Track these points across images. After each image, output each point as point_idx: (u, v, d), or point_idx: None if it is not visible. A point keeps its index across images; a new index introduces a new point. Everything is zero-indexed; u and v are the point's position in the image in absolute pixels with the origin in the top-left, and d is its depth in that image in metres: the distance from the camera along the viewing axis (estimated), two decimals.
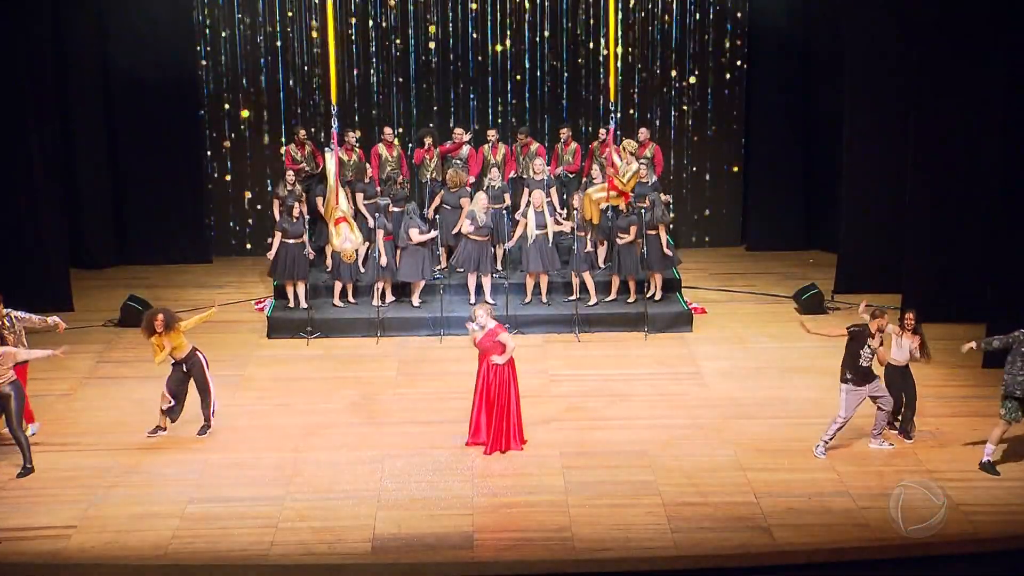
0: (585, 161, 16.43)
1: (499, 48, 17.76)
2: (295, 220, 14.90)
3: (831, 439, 11.51)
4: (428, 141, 16.22)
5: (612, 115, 14.60)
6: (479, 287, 15.10)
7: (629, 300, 15.23)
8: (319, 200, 15.63)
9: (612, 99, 14.49)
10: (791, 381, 13.43)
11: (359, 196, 15.53)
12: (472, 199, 15.25)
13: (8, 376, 11.06)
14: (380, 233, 14.85)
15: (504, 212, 15.56)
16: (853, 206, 16.29)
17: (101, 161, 17.51)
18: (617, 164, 14.46)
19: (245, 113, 17.78)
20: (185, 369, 11.87)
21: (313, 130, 17.24)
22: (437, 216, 15.55)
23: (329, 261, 15.14)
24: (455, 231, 15.43)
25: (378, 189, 15.73)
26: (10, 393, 11.05)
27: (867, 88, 15.93)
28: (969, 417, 12.37)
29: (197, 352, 11.93)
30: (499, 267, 15.55)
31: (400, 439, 11.94)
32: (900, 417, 11.84)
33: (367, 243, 14.90)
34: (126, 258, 17.89)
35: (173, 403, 11.83)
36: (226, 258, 18.18)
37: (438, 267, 15.71)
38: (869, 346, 11.22)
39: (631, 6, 17.67)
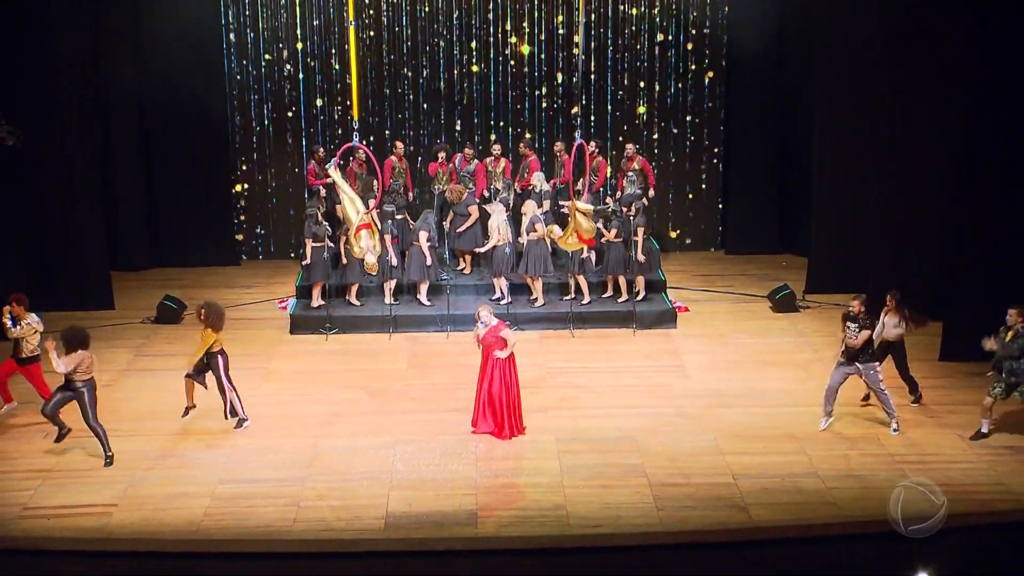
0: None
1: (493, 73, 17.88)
2: (317, 226, 14.99)
3: (828, 407, 11.83)
4: (442, 155, 16.30)
5: (579, 129, 14.90)
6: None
7: (619, 299, 15.27)
8: (338, 208, 15.67)
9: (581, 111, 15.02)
10: (766, 373, 13.46)
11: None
12: (475, 208, 15.36)
13: (84, 376, 11.03)
14: (388, 237, 14.92)
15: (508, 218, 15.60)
16: (823, 214, 16.28)
17: (138, 174, 17.52)
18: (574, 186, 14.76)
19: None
20: (206, 361, 11.89)
21: (332, 147, 17.25)
22: (444, 223, 15.57)
23: (345, 259, 15.15)
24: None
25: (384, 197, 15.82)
26: (83, 391, 11.05)
27: (836, 106, 15.90)
28: (926, 405, 12.40)
29: (218, 355, 11.85)
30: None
31: (410, 426, 11.98)
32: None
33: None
34: (161, 261, 17.91)
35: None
36: (252, 261, 18.20)
37: (447, 266, 15.76)
38: (848, 327, 11.58)
39: (622, 30, 17.70)
